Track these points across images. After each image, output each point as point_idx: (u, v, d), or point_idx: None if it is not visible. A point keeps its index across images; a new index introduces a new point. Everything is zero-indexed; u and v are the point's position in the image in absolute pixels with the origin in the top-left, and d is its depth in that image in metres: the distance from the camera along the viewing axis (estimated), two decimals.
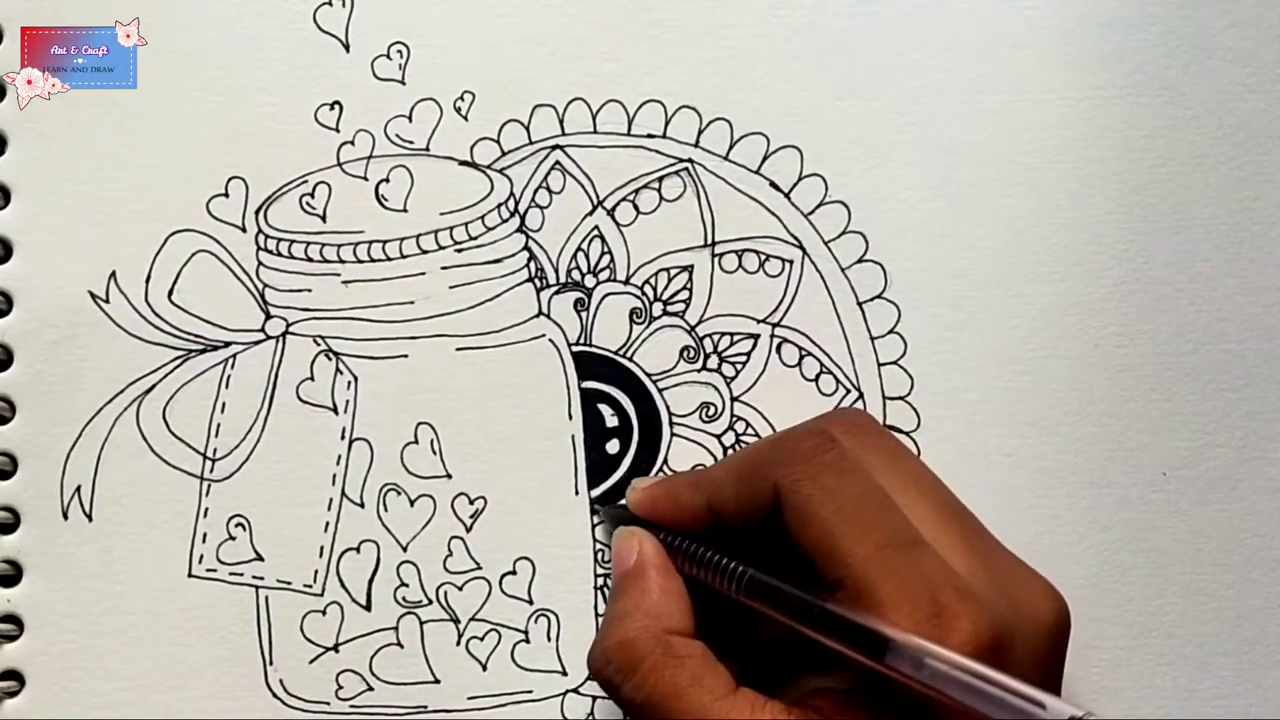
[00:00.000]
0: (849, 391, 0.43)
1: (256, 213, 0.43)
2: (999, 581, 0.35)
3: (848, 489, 0.36)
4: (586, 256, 0.43)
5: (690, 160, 0.43)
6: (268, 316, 0.43)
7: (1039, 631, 0.35)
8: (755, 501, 0.37)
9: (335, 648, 0.42)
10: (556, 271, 0.43)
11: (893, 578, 0.34)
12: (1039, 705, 0.30)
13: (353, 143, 0.43)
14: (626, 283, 0.43)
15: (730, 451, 0.43)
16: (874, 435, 0.39)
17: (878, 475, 0.36)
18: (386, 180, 0.43)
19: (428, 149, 0.43)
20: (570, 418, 0.43)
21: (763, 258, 0.44)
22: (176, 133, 0.42)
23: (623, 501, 0.42)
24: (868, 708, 0.34)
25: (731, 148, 0.43)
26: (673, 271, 0.43)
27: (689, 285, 0.43)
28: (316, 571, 0.42)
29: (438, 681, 0.43)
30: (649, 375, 0.43)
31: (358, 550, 0.43)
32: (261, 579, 0.42)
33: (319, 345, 0.43)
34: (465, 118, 0.43)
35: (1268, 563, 0.44)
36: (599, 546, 0.43)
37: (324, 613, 0.42)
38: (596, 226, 0.43)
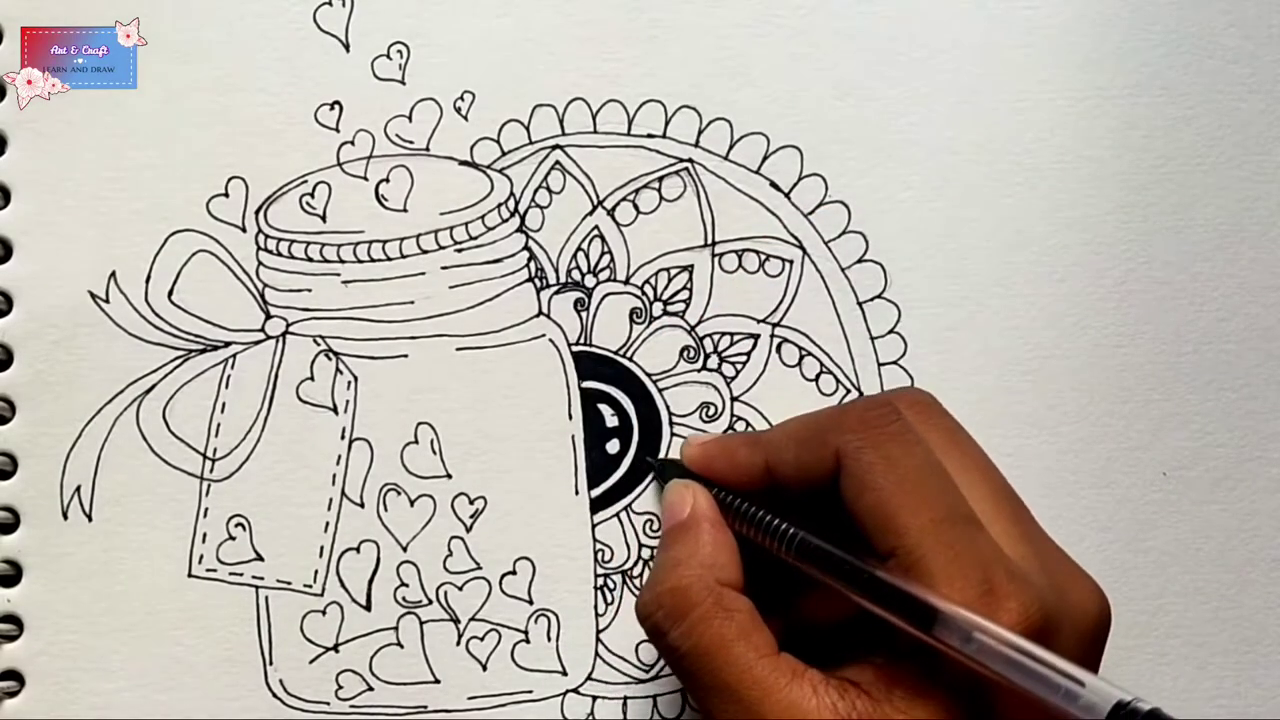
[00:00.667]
0: (849, 391, 0.43)
1: (256, 213, 0.43)
2: (1049, 570, 0.35)
3: (908, 460, 0.36)
4: (586, 256, 0.43)
5: (690, 160, 0.43)
6: (268, 316, 0.43)
7: (1084, 622, 0.36)
8: (816, 466, 0.37)
9: (335, 648, 0.42)
10: (556, 271, 0.43)
11: (946, 552, 0.34)
12: (1079, 684, 0.30)
13: (353, 143, 0.43)
14: (626, 283, 0.43)
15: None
16: (937, 414, 0.39)
17: (939, 453, 0.37)
18: (386, 180, 0.43)
19: (428, 149, 0.43)
20: (570, 418, 0.43)
21: (763, 258, 0.44)
22: (176, 133, 0.42)
23: (675, 455, 0.42)
24: (907, 681, 0.34)
25: (731, 148, 0.43)
26: (673, 271, 0.43)
27: (689, 285, 0.43)
28: (316, 571, 0.42)
29: (438, 681, 0.43)
30: (649, 375, 0.43)
31: (358, 550, 0.43)
32: (261, 579, 0.42)
33: (319, 345, 0.43)
34: (465, 118, 0.43)
35: (1268, 563, 0.44)
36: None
37: (324, 613, 0.42)
38: (596, 226, 0.43)
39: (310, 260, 0.42)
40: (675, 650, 0.36)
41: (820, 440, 0.37)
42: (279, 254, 0.42)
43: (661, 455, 0.43)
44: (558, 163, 0.43)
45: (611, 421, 0.43)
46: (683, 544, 0.38)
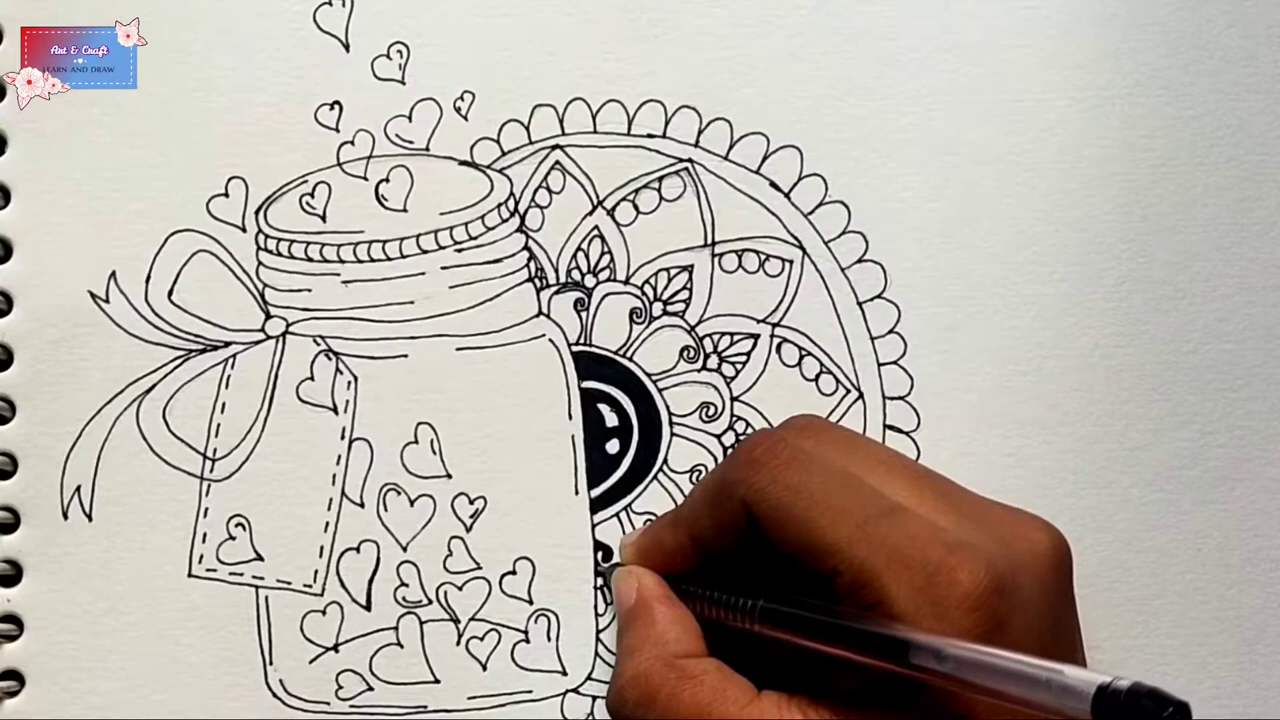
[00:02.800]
0: (849, 391, 0.43)
1: (256, 213, 0.43)
2: (987, 528, 0.35)
3: (811, 481, 0.36)
4: (586, 256, 0.43)
5: (690, 160, 0.43)
6: (268, 316, 0.43)
7: (1039, 563, 0.35)
8: (731, 523, 0.37)
9: (335, 648, 0.42)
10: (556, 271, 0.43)
11: (881, 549, 0.34)
12: (1057, 673, 0.30)
13: (353, 143, 0.43)
14: (626, 283, 0.43)
15: (729, 452, 0.43)
16: (827, 429, 0.39)
17: (840, 461, 0.36)
18: (386, 180, 0.43)
19: (428, 149, 0.43)
20: (570, 418, 0.43)
21: (763, 258, 0.44)
22: (176, 133, 0.42)
23: (616, 560, 0.42)
24: (888, 697, 0.34)
25: (731, 148, 0.43)
26: (673, 271, 0.43)
27: (689, 285, 0.43)
28: (316, 571, 0.42)
29: (438, 681, 0.43)
30: (649, 375, 0.43)
31: (358, 550, 0.43)
32: (261, 579, 0.42)
33: (319, 345, 0.43)
34: (465, 118, 0.43)
35: (1268, 563, 0.44)
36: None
37: (324, 613, 0.42)
38: (596, 226, 0.43)
39: (310, 260, 0.42)
40: None
41: (725, 496, 0.37)
42: (279, 254, 0.42)
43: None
44: (558, 163, 0.43)
45: (611, 421, 0.43)
46: (634, 629, 0.38)
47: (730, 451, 0.41)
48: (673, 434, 0.43)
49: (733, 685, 0.35)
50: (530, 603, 0.43)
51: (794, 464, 0.36)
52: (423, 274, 0.42)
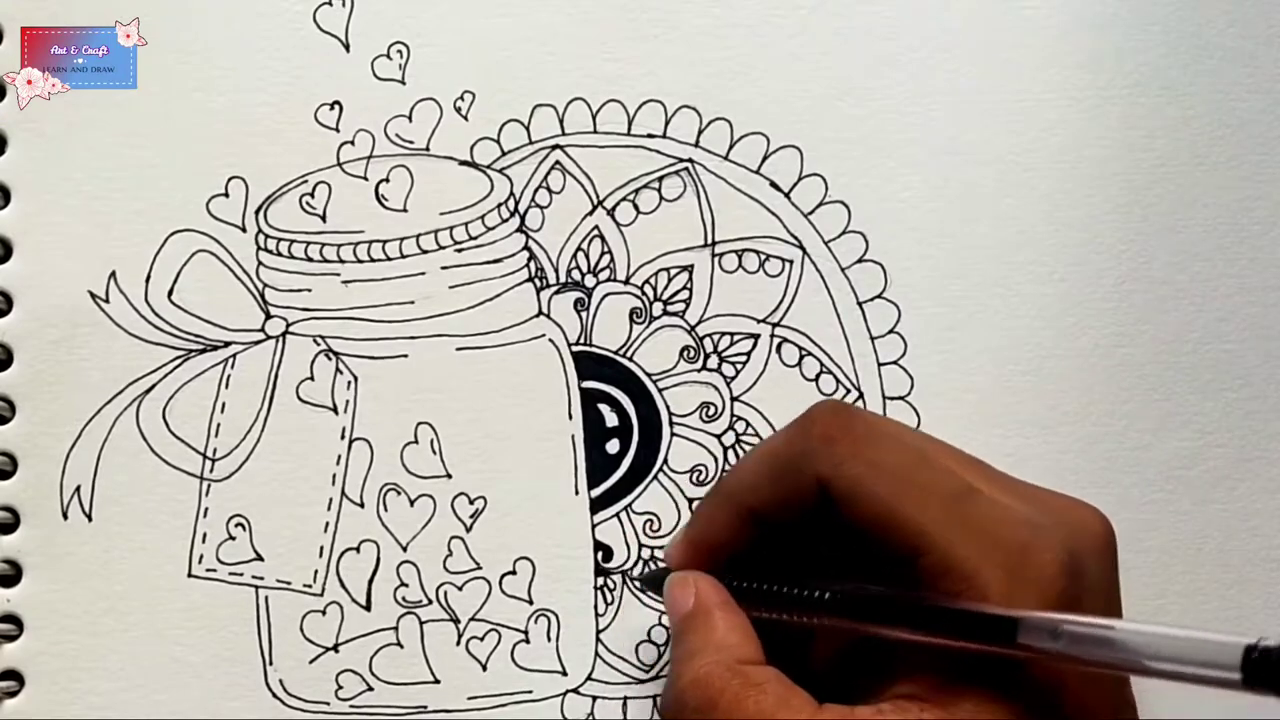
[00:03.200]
0: (849, 391, 0.43)
1: (256, 213, 0.43)
2: (1050, 509, 0.35)
3: (893, 457, 0.35)
4: (586, 256, 0.43)
5: (690, 160, 0.43)
6: (268, 316, 0.43)
7: (1098, 545, 0.35)
8: (797, 499, 0.36)
9: (335, 648, 0.42)
10: (556, 271, 0.43)
11: (968, 531, 0.33)
12: (1201, 640, 0.29)
13: (353, 143, 0.43)
14: (626, 282, 0.43)
15: (730, 452, 0.43)
16: (864, 411, 0.39)
17: (911, 439, 0.36)
18: (386, 180, 0.43)
19: (428, 149, 0.43)
20: (570, 418, 0.43)
21: (763, 258, 0.44)
22: (176, 133, 0.42)
23: (661, 565, 0.41)
24: (953, 689, 0.33)
25: (731, 148, 0.43)
26: (673, 271, 0.43)
27: (689, 285, 0.43)
28: (316, 571, 0.42)
29: (438, 681, 0.43)
30: (649, 375, 0.43)
31: (358, 550, 0.43)
32: (261, 579, 0.42)
33: (319, 345, 0.43)
34: (465, 118, 0.43)
35: (1268, 563, 0.44)
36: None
37: (324, 613, 0.42)
38: (596, 226, 0.43)
39: (310, 260, 0.42)
40: None
41: (795, 469, 0.36)
42: (279, 254, 0.42)
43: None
44: (558, 163, 0.43)
45: (611, 421, 0.43)
46: (694, 634, 0.37)
47: (785, 431, 0.38)
48: (673, 434, 0.43)
49: (796, 696, 0.34)
50: (530, 603, 0.43)
51: (871, 439, 0.35)
52: (423, 274, 0.42)
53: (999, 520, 0.34)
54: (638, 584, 0.42)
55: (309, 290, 0.42)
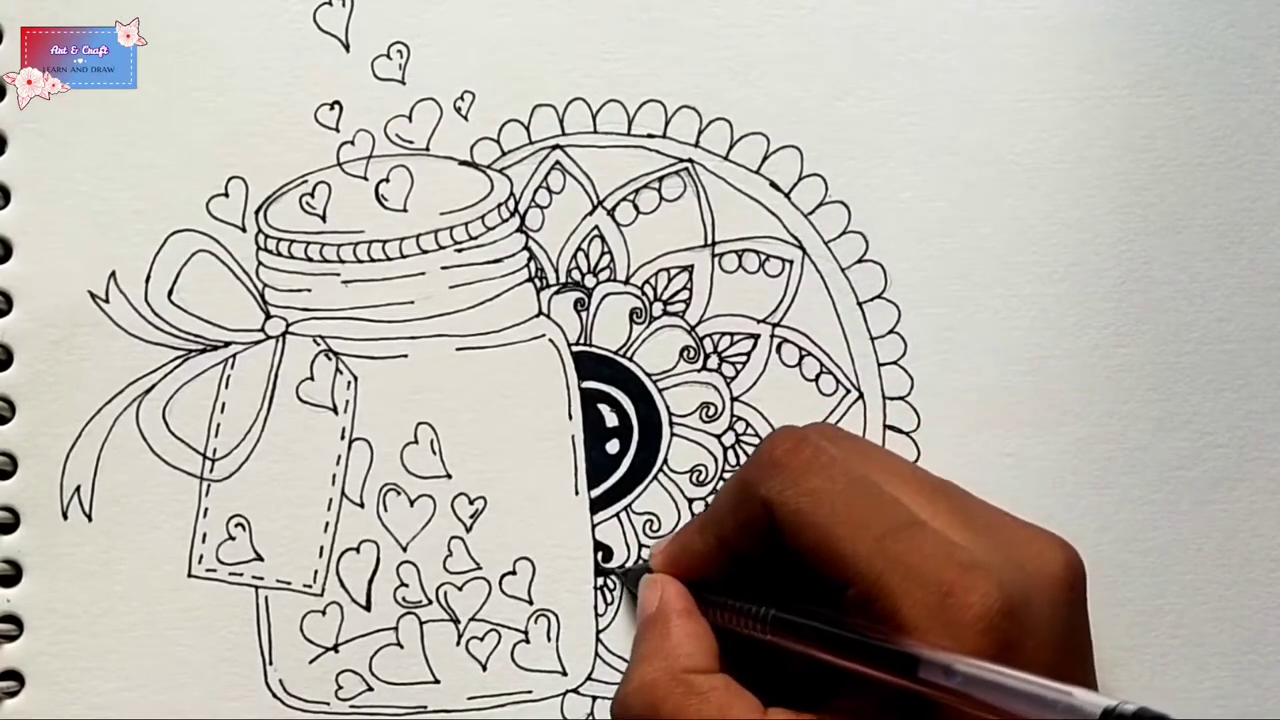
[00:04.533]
0: (849, 391, 0.43)
1: (256, 213, 0.43)
2: (1001, 545, 0.35)
3: (834, 486, 0.36)
4: (586, 256, 0.43)
5: (690, 160, 0.43)
6: (268, 316, 0.43)
7: (1052, 585, 0.35)
8: (753, 525, 0.37)
9: (335, 648, 0.42)
10: (556, 271, 0.43)
11: (897, 566, 0.34)
12: (1065, 694, 0.30)
13: (353, 143, 0.43)
14: (626, 283, 0.43)
15: (730, 452, 0.43)
16: (843, 435, 0.39)
17: (859, 469, 0.36)
18: (386, 180, 0.43)
19: (428, 149, 0.43)
20: (570, 418, 0.43)
21: (763, 258, 0.44)
22: (176, 133, 0.42)
23: (645, 565, 0.42)
24: (888, 715, 0.34)
25: (731, 148, 0.43)
26: (673, 271, 0.43)
27: (689, 285, 0.43)
28: (316, 571, 0.42)
29: (437, 681, 0.43)
30: (649, 375, 0.43)
31: (357, 550, 0.43)
32: (261, 579, 0.42)
33: (319, 345, 0.43)
34: (465, 118, 0.43)
35: (1268, 563, 0.44)
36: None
37: (324, 613, 0.42)
38: (596, 226, 0.43)
39: (310, 260, 0.42)
40: None
41: (748, 497, 0.37)
42: (279, 254, 0.42)
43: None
44: (558, 163, 0.43)
45: (611, 421, 0.43)
46: (648, 639, 0.38)
47: (754, 451, 0.40)
48: (673, 434, 0.43)
49: (740, 702, 0.35)
50: (530, 603, 0.43)
51: (815, 467, 0.36)
52: (423, 274, 0.42)
53: (931, 558, 0.34)
54: (620, 576, 0.43)
55: (309, 290, 0.42)
